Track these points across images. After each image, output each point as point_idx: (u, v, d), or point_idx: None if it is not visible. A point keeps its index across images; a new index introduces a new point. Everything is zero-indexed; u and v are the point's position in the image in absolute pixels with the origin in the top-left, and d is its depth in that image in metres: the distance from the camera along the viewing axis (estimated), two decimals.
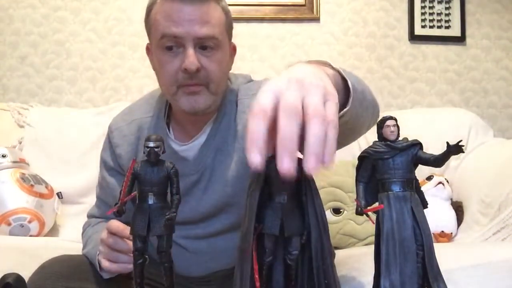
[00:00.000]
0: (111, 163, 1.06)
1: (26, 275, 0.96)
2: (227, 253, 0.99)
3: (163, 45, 0.91)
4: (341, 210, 1.56)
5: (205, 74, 0.91)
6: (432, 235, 0.63)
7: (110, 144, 1.07)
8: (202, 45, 0.91)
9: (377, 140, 0.65)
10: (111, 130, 1.07)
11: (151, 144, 0.62)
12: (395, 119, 0.64)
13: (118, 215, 0.61)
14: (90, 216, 1.13)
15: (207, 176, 0.98)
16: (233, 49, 1.04)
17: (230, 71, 1.05)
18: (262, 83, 1.02)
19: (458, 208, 1.62)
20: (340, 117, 0.63)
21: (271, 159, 0.62)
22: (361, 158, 0.66)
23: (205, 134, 1.00)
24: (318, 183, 0.70)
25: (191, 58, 0.89)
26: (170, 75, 0.92)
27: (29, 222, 1.45)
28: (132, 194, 0.60)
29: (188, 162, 0.99)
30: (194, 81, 0.91)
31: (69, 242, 1.42)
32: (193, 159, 0.99)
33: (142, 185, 0.62)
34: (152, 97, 1.08)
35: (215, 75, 0.93)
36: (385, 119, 0.64)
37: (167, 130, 1.02)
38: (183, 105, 0.93)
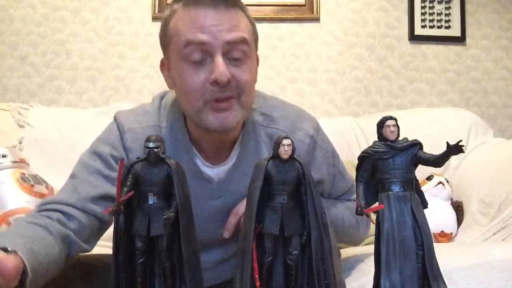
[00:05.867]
0: (114, 166, 0.89)
1: None
2: (230, 268, 0.96)
3: (187, 55, 0.82)
4: None
5: (236, 85, 0.83)
6: (432, 235, 0.63)
7: (122, 146, 0.92)
8: (231, 52, 0.82)
9: (377, 140, 0.65)
10: (123, 130, 0.92)
11: (151, 145, 0.62)
12: (395, 119, 0.64)
13: (117, 215, 0.61)
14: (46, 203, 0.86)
15: (230, 202, 0.91)
16: (257, 60, 0.94)
17: None
18: (274, 105, 1.00)
19: (458, 208, 1.62)
20: None
21: (270, 159, 0.63)
22: (361, 158, 0.66)
23: (233, 158, 0.93)
24: None
25: (221, 68, 0.80)
26: (196, 89, 0.82)
27: None
28: (129, 193, 0.60)
29: (212, 185, 0.92)
30: (226, 94, 0.82)
31: None
32: (218, 182, 0.92)
33: (142, 185, 0.62)
34: (163, 107, 0.96)
35: (247, 86, 0.84)
36: (385, 119, 0.64)
37: (191, 143, 0.92)
38: (210, 124, 0.84)
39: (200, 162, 0.92)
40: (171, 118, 0.93)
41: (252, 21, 0.89)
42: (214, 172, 0.92)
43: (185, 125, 0.92)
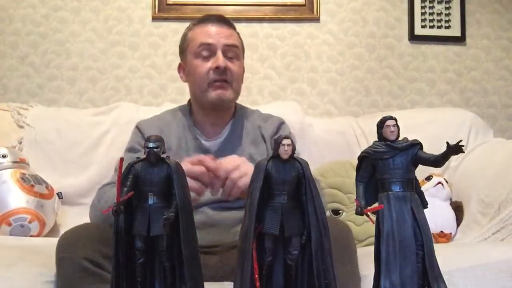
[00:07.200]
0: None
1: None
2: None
3: (199, 52, 1.21)
4: (340, 211, 1.56)
5: (230, 73, 1.20)
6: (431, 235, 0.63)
7: (142, 135, 1.25)
8: (227, 52, 1.21)
9: (377, 140, 0.65)
10: (138, 124, 1.30)
11: (151, 145, 0.62)
12: (395, 119, 0.64)
13: (117, 215, 0.61)
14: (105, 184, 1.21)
15: None
16: (243, 68, 1.31)
17: None
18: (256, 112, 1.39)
19: (458, 208, 1.62)
20: None
21: (270, 159, 0.63)
22: (361, 158, 0.66)
23: (225, 134, 1.27)
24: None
25: (221, 59, 1.19)
26: (203, 74, 1.20)
27: (30, 222, 1.45)
28: (129, 193, 0.60)
29: (209, 154, 1.16)
30: (223, 77, 1.19)
31: None
32: (213, 152, 1.21)
33: (142, 185, 0.62)
34: (171, 109, 1.34)
35: (237, 75, 1.23)
36: (385, 119, 0.64)
37: (194, 126, 1.27)
38: (211, 98, 1.20)
39: (200, 137, 1.26)
40: (178, 110, 1.32)
41: (240, 38, 1.29)
42: (211, 143, 1.26)
43: (189, 113, 1.29)
